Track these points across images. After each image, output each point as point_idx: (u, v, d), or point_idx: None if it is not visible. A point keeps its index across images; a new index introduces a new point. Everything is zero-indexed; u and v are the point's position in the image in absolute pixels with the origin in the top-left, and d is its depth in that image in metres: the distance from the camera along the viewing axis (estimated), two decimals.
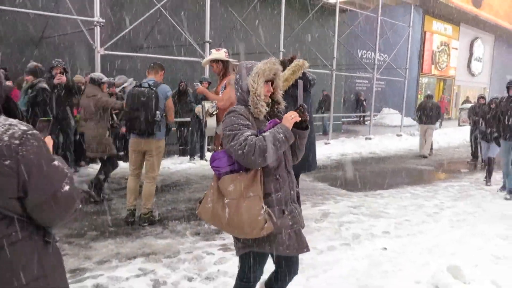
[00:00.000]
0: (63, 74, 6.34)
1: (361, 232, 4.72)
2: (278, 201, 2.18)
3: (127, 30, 8.38)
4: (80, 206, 1.47)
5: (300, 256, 3.76)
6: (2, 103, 1.43)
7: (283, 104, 2.39)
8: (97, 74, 5.95)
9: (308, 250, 2.29)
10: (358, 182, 7.56)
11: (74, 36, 8.92)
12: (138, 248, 4.03)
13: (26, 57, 8.32)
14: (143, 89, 4.53)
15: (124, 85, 6.58)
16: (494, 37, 30.32)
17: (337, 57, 12.89)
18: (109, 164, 5.70)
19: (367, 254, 4.01)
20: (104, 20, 7.73)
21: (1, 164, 1.26)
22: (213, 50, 4.94)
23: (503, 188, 7.00)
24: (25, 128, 1.35)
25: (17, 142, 1.30)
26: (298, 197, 2.39)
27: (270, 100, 2.34)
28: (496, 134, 6.87)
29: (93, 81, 5.68)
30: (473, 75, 28.85)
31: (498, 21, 27.23)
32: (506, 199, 6.52)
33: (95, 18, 7.60)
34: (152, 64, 4.82)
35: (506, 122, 6.53)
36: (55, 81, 6.27)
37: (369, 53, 19.83)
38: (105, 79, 5.74)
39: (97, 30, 7.63)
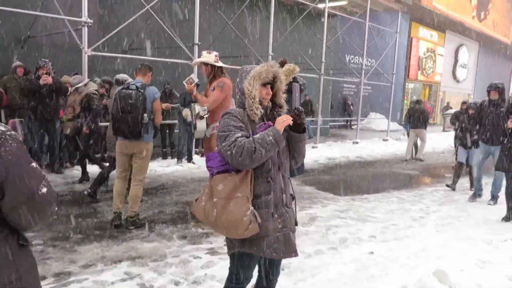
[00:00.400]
0: (49, 75, 6.25)
1: (348, 236, 4.74)
2: (267, 203, 2.18)
3: (115, 31, 8.30)
4: (56, 209, 1.44)
5: (288, 259, 3.77)
6: None
7: (285, 107, 2.39)
8: (122, 75, 5.89)
9: (296, 255, 2.28)
10: (345, 186, 7.60)
11: (61, 36, 8.81)
12: (124, 252, 3.98)
13: (12, 56, 8.20)
14: (130, 91, 4.48)
15: (78, 85, 6.49)
16: (478, 45, 30.89)
17: (325, 62, 12.96)
18: None
19: (354, 258, 4.03)
20: (92, 21, 7.65)
21: None
22: (204, 52, 4.93)
23: (475, 196, 6.84)
24: (3, 129, 1.33)
25: None
26: (294, 201, 2.38)
27: (270, 104, 2.35)
28: (476, 137, 6.77)
29: (118, 82, 5.66)
30: (458, 81, 29.33)
31: (484, 29, 27.77)
32: (489, 204, 6.53)
33: (83, 19, 7.50)
34: (140, 66, 4.77)
35: (487, 126, 6.44)
36: (41, 82, 6.19)
37: (356, 58, 20.00)
38: (130, 80, 5.68)
39: (85, 30, 7.53)
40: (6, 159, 1.27)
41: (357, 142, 13.62)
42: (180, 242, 4.31)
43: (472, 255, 4.07)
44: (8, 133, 1.33)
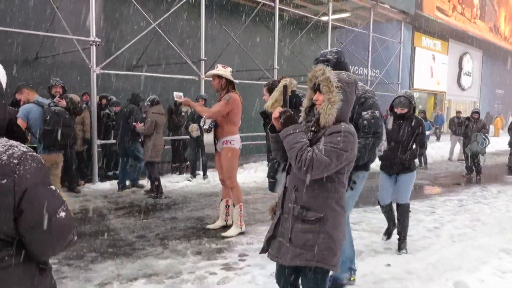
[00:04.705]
0: (63, 94, 6.25)
1: (364, 248, 4.69)
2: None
3: (122, 49, 8.40)
4: (76, 238, 1.41)
5: None
6: (6, 125, 1.41)
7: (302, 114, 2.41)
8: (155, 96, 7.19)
9: (280, 261, 2.22)
10: None
11: (69, 55, 8.91)
12: (139, 269, 3.95)
13: (21, 77, 8.29)
14: (60, 108, 5.02)
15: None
16: (482, 52, 30.90)
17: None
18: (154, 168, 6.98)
19: (371, 271, 3.97)
20: (100, 40, 7.74)
21: None
22: (220, 66, 5.04)
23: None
24: (25, 149, 1.34)
25: (15, 161, 1.28)
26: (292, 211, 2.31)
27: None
28: (383, 152, 3.72)
29: (153, 102, 7.00)
30: (463, 89, 29.26)
31: (485, 35, 27.83)
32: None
33: (91, 38, 7.61)
34: (29, 85, 5.16)
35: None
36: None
37: (361, 69, 20.05)
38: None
39: (93, 49, 7.63)
40: (24, 178, 1.28)
41: None
42: (194, 258, 4.28)
43: (491, 265, 4.00)
44: (30, 153, 1.33)
